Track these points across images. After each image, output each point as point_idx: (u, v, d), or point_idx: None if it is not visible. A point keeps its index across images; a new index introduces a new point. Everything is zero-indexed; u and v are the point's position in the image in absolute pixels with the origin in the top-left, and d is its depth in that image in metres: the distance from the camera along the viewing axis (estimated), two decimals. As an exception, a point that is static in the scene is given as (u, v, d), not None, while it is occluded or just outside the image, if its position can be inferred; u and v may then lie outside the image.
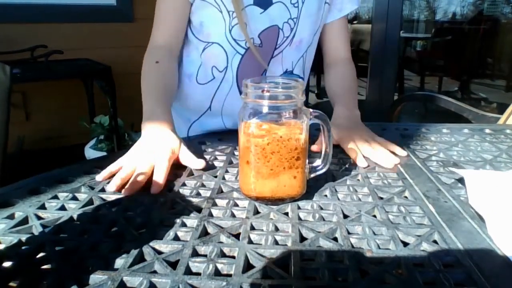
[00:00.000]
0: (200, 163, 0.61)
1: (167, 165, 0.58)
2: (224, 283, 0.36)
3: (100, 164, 0.62)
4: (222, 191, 0.55)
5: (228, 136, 0.79)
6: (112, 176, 0.57)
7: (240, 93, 0.84)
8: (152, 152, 0.60)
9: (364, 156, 0.65)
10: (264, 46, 0.83)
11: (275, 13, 0.80)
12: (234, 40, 0.81)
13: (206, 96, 0.89)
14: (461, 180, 0.57)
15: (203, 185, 0.57)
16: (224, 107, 0.89)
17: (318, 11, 0.85)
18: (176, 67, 0.82)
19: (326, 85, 0.93)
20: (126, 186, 0.54)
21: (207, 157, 0.67)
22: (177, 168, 0.63)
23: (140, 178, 0.55)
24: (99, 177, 0.58)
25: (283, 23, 0.82)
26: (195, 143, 0.75)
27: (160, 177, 0.56)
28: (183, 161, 0.63)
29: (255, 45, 0.81)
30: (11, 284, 0.36)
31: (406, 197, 0.53)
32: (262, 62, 0.82)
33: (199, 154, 0.63)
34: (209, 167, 0.63)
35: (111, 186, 0.55)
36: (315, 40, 0.90)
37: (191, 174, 0.61)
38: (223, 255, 0.41)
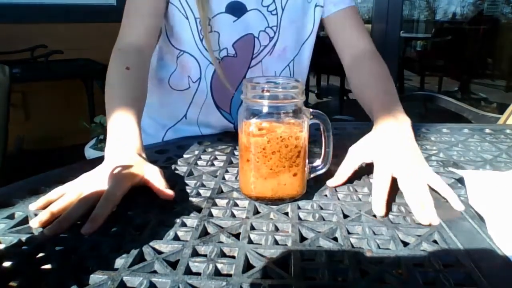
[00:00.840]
0: (169, 193, 0.51)
1: (115, 199, 0.47)
2: (224, 283, 0.36)
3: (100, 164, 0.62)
4: (222, 191, 0.55)
5: (228, 136, 0.79)
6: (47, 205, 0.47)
7: (216, 105, 0.81)
8: (104, 181, 0.49)
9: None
10: (239, 56, 0.77)
11: (250, 21, 0.75)
12: (207, 50, 0.74)
13: (181, 104, 0.83)
14: (461, 180, 0.57)
15: (203, 185, 0.57)
16: (199, 118, 0.84)
17: (303, 17, 0.80)
18: (147, 74, 0.72)
19: (354, 85, 0.79)
20: (52, 224, 0.44)
21: (207, 157, 0.67)
22: (176, 169, 0.63)
23: (73, 214, 0.45)
24: (33, 206, 0.49)
25: (259, 31, 0.76)
26: (192, 144, 0.75)
27: (99, 213, 0.44)
28: (153, 189, 0.52)
29: (230, 55, 0.76)
30: (11, 284, 0.36)
31: (406, 197, 0.53)
32: (225, 82, 0.75)
33: (169, 182, 0.54)
34: (209, 167, 0.63)
35: (34, 222, 0.45)
36: (303, 50, 0.84)
37: (191, 174, 0.61)
38: (223, 255, 0.41)
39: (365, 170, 0.62)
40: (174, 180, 0.58)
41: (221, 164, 0.64)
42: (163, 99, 0.85)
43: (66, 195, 0.48)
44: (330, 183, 0.56)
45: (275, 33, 0.78)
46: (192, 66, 0.78)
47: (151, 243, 0.42)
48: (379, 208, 0.48)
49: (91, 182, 0.50)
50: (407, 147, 0.56)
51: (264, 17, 0.76)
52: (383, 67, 0.77)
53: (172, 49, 0.79)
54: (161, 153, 0.69)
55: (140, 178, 0.52)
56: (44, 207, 0.48)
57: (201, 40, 0.75)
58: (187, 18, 0.73)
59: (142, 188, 0.55)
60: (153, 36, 0.73)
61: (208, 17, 0.72)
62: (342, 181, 0.56)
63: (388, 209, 0.49)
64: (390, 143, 0.56)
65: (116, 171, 0.50)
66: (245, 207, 0.50)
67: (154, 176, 0.52)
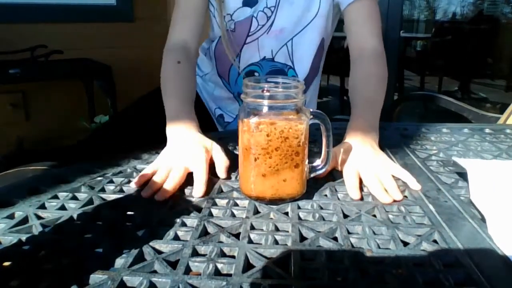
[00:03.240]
0: (224, 175, 0.58)
1: (206, 168, 0.56)
2: (224, 283, 0.36)
3: (100, 164, 0.62)
4: (222, 191, 0.55)
5: (228, 136, 0.79)
6: (147, 181, 0.55)
7: (218, 74, 0.92)
8: (186, 154, 0.58)
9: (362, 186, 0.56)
10: (237, 32, 0.86)
11: (260, 4, 0.82)
12: (231, 31, 0.86)
13: (206, 62, 0.97)
14: (462, 175, 0.57)
15: (203, 185, 0.57)
16: (212, 78, 0.96)
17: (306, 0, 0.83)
18: (195, 66, 0.84)
19: (349, 85, 0.79)
20: (158, 193, 0.52)
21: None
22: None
23: (172, 184, 0.54)
24: (133, 184, 0.55)
25: (258, 12, 0.83)
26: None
27: (201, 182, 0.54)
28: (218, 161, 0.59)
29: (229, 30, 0.86)
30: (11, 284, 0.36)
31: (406, 196, 0.53)
32: (227, 51, 0.86)
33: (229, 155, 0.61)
34: (209, 167, 0.63)
35: (146, 192, 0.53)
36: (306, 31, 0.86)
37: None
38: (223, 255, 0.41)
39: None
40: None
41: (221, 164, 0.64)
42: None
43: (159, 172, 0.56)
44: (355, 195, 0.53)
45: (272, 12, 0.83)
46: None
47: (151, 243, 0.42)
48: (354, 192, 0.52)
49: (174, 159, 0.58)
50: (367, 152, 0.60)
51: None
52: (380, 70, 0.76)
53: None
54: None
55: (210, 154, 0.59)
56: (144, 182, 0.55)
57: (214, 16, 0.86)
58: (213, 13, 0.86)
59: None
60: (196, 35, 0.83)
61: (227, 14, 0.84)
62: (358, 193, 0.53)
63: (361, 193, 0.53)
64: (354, 145, 0.61)
65: (191, 144, 0.59)
66: (245, 207, 0.50)
67: (219, 155, 0.60)
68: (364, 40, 0.80)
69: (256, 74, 0.91)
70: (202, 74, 1.00)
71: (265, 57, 0.89)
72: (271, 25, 0.84)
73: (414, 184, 0.55)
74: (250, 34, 0.85)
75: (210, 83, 0.99)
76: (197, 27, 0.83)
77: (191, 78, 0.79)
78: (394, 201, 0.51)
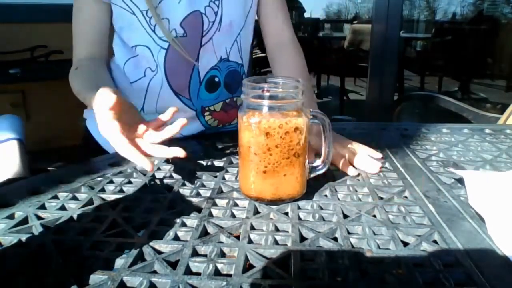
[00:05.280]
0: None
1: (113, 97, 0.50)
2: (224, 283, 0.36)
3: (100, 164, 0.62)
4: (222, 191, 0.55)
5: (228, 136, 0.79)
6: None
7: (174, 92, 0.80)
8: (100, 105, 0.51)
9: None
10: (189, 36, 0.77)
11: None
12: (159, 38, 0.76)
13: (137, 96, 0.81)
14: (460, 180, 0.57)
15: (203, 185, 0.57)
16: (157, 108, 0.81)
17: None
18: (105, 66, 0.79)
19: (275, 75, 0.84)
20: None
21: (207, 156, 0.67)
22: (177, 170, 0.63)
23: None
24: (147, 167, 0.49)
25: (204, 7, 0.76)
26: (192, 144, 0.75)
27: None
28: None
29: (179, 35, 0.76)
30: (12, 284, 0.36)
31: (406, 197, 0.53)
32: (186, 56, 0.76)
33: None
34: (209, 167, 0.63)
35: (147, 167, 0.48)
36: (248, 22, 0.84)
37: (191, 174, 0.61)
38: (223, 255, 0.41)
39: (365, 171, 0.62)
40: (174, 180, 0.58)
41: (221, 164, 0.64)
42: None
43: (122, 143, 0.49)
44: (353, 172, 0.60)
45: (218, 6, 0.77)
46: (146, 57, 0.77)
47: (151, 243, 0.42)
48: (352, 170, 0.60)
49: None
50: (343, 140, 0.68)
51: None
52: (303, 59, 0.84)
53: (125, 47, 0.80)
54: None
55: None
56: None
57: (153, 30, 0.75)
58: (134, 13, 0.74)
59: (143, 187, 0.55)
60: (103, 46, 0.79)
61: (154, 6, 0.72)
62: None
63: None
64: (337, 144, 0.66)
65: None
66: (245, 207, 0.50)
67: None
68: (282, 32, 0.86)
69: (216, 80, 0.83)
70: (146, 107, 0.83)
71: (221, 57, 0.82)
72: (220, 20, 0.78)
73: (376, 155, 0.65)
74: (204, 34, 0.77)
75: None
76: (100, 40, 0.78)
77: (101, 70, 0.76)
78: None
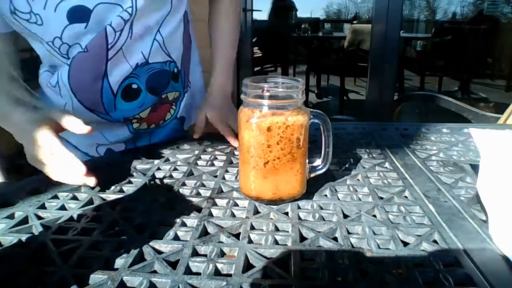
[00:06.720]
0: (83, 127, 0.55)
1: (59, 142, 0.54)
2: (224, 283, 0.36)
3: (100, 164, 0.62)
4: (222, 191, 0.55)
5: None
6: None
7: (89, 109, 0.73)
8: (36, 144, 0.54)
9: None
10: (90, 52, 0.68)
11: (100, 17, 0.65)
12: (63, 56, 0.70)
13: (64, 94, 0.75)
14: (462, 177, 0.57)
15: (203, 185, 0.57)
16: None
17: None
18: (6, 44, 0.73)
19: (208, 25, 0.88)
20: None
21: (207, 157, 0.67)
22: (176, 169, 0.63)
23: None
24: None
25: (110, 21, 0.66)
26: (192, 144, 0.75)
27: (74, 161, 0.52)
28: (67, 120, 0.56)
29: (81, 51, 0.68)
30: (12, 284, 0.36)
31: (406, 197, 0.53)
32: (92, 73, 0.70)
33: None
34: (209, 167, 0.63)
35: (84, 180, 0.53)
36: (171, 13, 0.75)
37: (191, 174, 0.61)
38: (223, 255, 0.41)
39: (365, 170, 0.62)
40: (174, 180, 0.58)
41: (221, 164, 0.64)
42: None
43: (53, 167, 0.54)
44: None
45: (130, 15, 0.67)
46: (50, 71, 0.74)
47: (151, 243, 0.42)
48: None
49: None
50: (228, 104, 0.83)
51: (115, 3, 0.66)
52: (232, 11, 0.87)
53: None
54: (161, 153, 0.69)
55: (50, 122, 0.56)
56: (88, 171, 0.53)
57: (59, 49, 0.69)
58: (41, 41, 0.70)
59: (143, 187, 0.55)
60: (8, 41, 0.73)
61: (55, 37, 0.66)
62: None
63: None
64: (219, 104, 0.81)
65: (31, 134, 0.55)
66: (245, 207, 0.50)
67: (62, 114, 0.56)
68: None
69: (134, 86, 0.75)
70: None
71: (137, 64, 0.73)
72: (130, 28, 0.69)
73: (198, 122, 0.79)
74: (110, 48, 0.68)
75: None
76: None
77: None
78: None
